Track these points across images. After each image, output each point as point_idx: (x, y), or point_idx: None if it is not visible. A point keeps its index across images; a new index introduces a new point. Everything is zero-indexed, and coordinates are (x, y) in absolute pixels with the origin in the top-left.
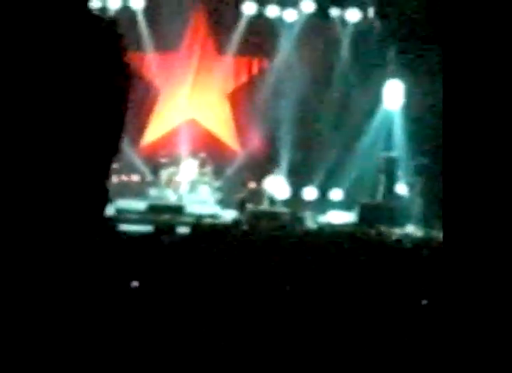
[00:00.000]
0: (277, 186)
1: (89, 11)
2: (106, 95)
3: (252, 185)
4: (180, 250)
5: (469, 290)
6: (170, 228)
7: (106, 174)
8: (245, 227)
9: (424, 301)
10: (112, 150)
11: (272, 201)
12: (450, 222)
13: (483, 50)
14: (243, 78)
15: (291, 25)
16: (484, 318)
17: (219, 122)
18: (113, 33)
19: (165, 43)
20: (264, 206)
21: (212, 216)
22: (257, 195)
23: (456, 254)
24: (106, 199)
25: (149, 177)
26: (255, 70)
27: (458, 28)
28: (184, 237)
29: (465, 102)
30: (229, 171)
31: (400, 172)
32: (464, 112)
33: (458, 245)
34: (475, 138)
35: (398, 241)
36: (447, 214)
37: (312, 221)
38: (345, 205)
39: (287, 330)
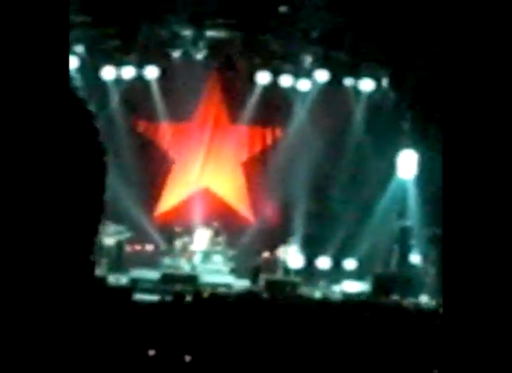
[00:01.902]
0: (291, 255)
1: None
2: (83, 172)
3: (266, 254)
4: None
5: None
6: (186, 297)
7: (89, 249)
8: (264, 296)
9: (436, 371)
10: (92, 227)
11: (286, 270)
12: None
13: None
14: (257, 148)
15: (305, 94)
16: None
17: (233, 191)
18: (87, 112)
19: (179, 113)
20: (279, 275)
21: (226, 285)
22: (271, 264)
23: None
24: (91, 272)
25: (163, 246)
26: (269, 139)
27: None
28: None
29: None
30: (243, 240)
31: (414, 242)
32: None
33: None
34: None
35: (412, 311)
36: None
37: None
38: (358, 275)
39: None
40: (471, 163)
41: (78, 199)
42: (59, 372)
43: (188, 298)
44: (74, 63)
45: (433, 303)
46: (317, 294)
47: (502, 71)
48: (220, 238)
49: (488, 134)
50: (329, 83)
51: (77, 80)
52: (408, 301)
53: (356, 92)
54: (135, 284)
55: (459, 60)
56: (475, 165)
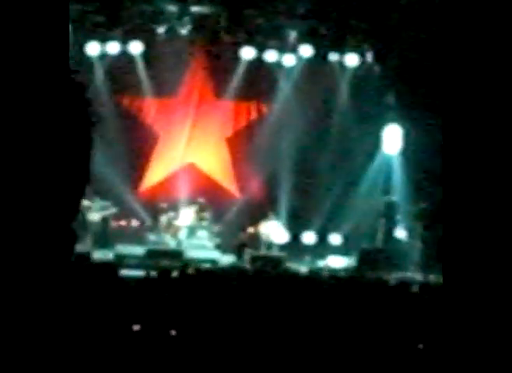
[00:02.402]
0: (276, 230)
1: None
2: (73, 139)
3: (251, 230)
4: (184, 294)
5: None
6: (171, 272)
7: (71, 216)
8: (248, 271)
9: (420, 346)
10: (77, 193)
11: (270, 246)
12: (449, 260)
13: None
14: (242, 123)
15: (290, 69)
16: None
17: (218, 166)
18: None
19: (164, 88)
20: (263, 251)
21: (211, 261)
22: (256, 240)
23: (455, 294)
24: (73, 240)
25: (149, 222)
26: (254, 114)
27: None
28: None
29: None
30: (228, 216)
31: (399, 217)
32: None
33: (457, 284)
34: (473, 165)
35: (397, 285)
36: (447, 253)
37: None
38: (344, 250)
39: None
40: (470, 144)
41: (62, 166)
42: (40, 348)
43: (174, 274)
44: None
45: (419, 277)
46: (303, 269)
47: (493, 46)
48: (206, 214)
49: (484, 116)
50: (314, 58)
51: None
52: (394, 276)
53: (341, 67)
54: (121, 260)
55: (448, 35)
56: (474, 147)
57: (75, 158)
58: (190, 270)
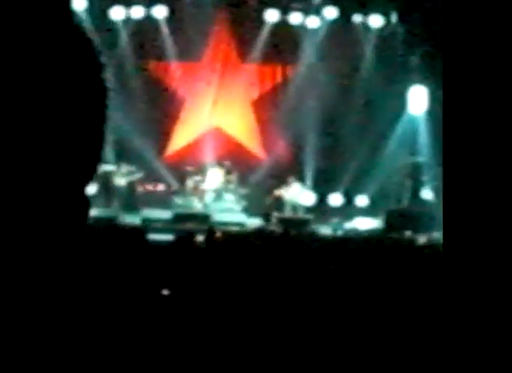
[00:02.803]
0: (303, 193)
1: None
2: (84, 106)
3: (278, 192)
4: (199, 260)
5: (469, 293)
6: (199, 236)
7: (84, 183)
8: (275, 233)
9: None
10: (91, 159)
11: (295, 208)
12: (451, 226)
13: (485, 54)
14: (267, 86)
15: (314, 31)
16: (484, 321)
17: (244, 130)
18: (91, 46)
19: (188, 53)
20: (289, 213)
21: (238, 224)
22: (284, 203)
23: (456, 258)
24: (86, 206)
25: (175, 186)
26: (279, 77)
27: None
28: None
29: (466, 105)
30: (255, 178)
31: (426, 178)
32: (464, 114)
33: (459, 248)
34: (475, 141)
35: (424, 247)
36: (448, 217)
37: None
38: (371, 211)
39: (303, 335)
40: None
41: (76, 128)
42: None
43: (201, 238)
44: (82, 4)
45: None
46: (330, 231)
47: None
48: (232, 177)
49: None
50: (338, 20)
51: (86, 21)
52: (421, 237)
53: (365, 28)
54: (147, 224)
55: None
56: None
57: (86, 123)
58: (217, 234)
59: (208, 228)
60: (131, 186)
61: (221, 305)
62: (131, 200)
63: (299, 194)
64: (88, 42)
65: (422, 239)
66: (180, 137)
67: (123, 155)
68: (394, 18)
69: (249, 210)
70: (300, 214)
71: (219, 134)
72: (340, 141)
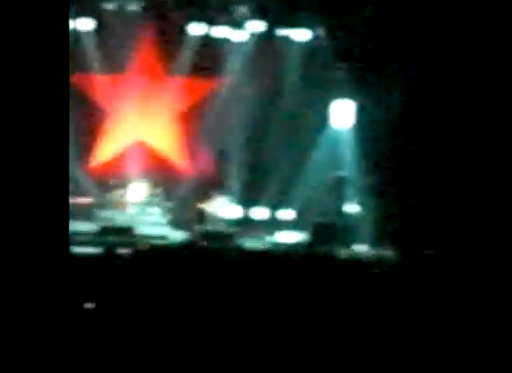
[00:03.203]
0: (227, 206)
1: None
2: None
3: (202, 206)
4: (136, 271)
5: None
6: (123, 249)
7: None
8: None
9: (374, 319)
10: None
11: (223, 222)
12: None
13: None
14: (193, 99)
15: (239, 45)
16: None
17: (169, 143)
18: None
19: (113, 65)
20: (216, 227)
21: (162, 237)
22: (208, 216)
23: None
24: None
25: (99, 199)
26: (204, 90)
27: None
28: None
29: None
30: (179, 192)
31: (350, 191)
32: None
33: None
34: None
35: (349, 260)
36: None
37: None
38: (296, 225)
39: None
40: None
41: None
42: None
43: (125, 250)
44: None
45: (370, 252)
46: (255, 245)
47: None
48: (157, 190)
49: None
50: (263, 34)
51: None
52: (347, 251)
53: (291, 42)
54: (72, 237)
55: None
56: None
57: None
58: (141, 246)
59: (132, 241)
60: None
61: (148, 317)
62: None
63: (222, 208)
64: None
65: (345, 252)
66: (105, 150)
67: None
68: (320, 32)
69: (173, 224)
70: (225, 228)
71: (143, 148)
72: (265, 155)
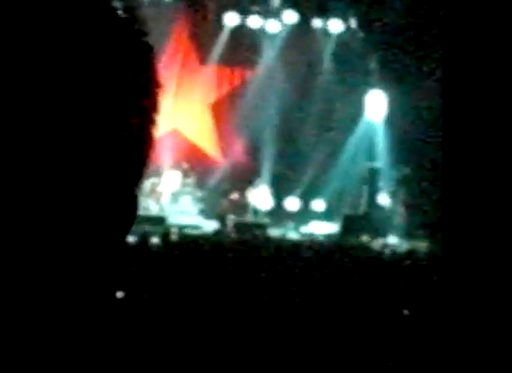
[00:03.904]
0: (260, 197)
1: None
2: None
3: (234, 196)
4: (168, 260)
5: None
6: (155, 238)
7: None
8: (232, 237)
9: (406, 312)
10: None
11: (255, 212)
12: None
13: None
14: (226, 89)
15: (273, 35)
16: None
17: (202, 132)
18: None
19: None
20: (248, 217)
21: (194, 227)
22: (240, 206)
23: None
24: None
25: None
26: (238, 80)
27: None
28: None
29: (465, 106)
30: (212, 182)
31: (382, 183)
32: (463, 115)
33: (458, 253)
34: (474, 142)
35: (381, 252)
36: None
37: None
38: (328, 216)
39: (268, 340)
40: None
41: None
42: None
43: (156, 240)
44: None
45: (402, 243)
46: (286, 236)
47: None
48: (189, 180)
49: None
50: (298, 24)
51: None
52: (377, 242)
53: (325, 33)
54: None
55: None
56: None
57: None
58: (173, 236)
59: (164, 231)
60: None
61: (178, 307)
62: None
63: (256, 198)
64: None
65: (378, 244)
66: None
67: None
68: (353, 23)
69: (205, 213)
70: (257, 218)
71: (176, 136)
72: (297, 146)
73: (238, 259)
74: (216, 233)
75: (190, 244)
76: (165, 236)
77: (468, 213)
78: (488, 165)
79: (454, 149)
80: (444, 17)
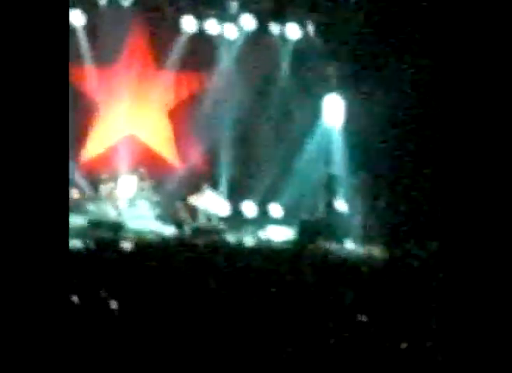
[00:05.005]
0: (215, 201)
1: None
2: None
3: (191, 201)
4: (125, 266)
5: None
6: (112, 244)
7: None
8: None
9: (362, 317)
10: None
11: (209, 217)
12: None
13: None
14: (184, 94)
15: (231, 41)
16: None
17: (159, 137)
18: None
19: (104, 58)
20: (202, 222)
21: (152, 232)
22: (195, 211)
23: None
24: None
25: (89, 193)
26: (195, 85)
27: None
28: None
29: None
30: (169, 186)
31: (340, 188)
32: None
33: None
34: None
35: (337, 257)
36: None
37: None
38: (285, 221)
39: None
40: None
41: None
42: None
43: (114, 244)
44: None
45: (359, 249)
46: (244, 241)
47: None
48: (146, 184)
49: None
50: (255, 30)
51: None
52: (335, 247)
53: (283, 39)
54: None
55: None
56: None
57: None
58: (131, 242)
59: (122, 237)
60: None
61: (134, 311)
62: None
63: (212, 203)
64: None
65: (331, 250)
66: (95, 144)
67: None
68: (311, 29)
69: (162, 218)
70: (214, 223)
71: (133, 141)
72: (255, 150)
73: (196, 265)
74: (173, 238)
75: (147, 249)
76: (123, 241)
77: (462, 216)
78: (479, 167)
79: (447, 153)
80: (417, 24)
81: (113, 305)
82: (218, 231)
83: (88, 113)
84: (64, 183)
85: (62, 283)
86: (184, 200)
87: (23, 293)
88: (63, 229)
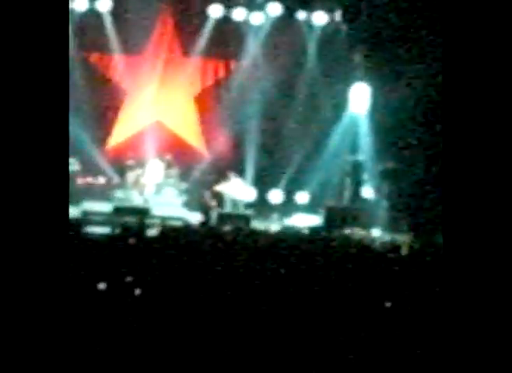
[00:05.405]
0: (241, 188)
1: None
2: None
3: (217, 187)
4: (150, 252)
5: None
6: (139, 230)
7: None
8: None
9: (388, 304)
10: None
11: (235, 204)
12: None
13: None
14: (210, 81)
15: (258, 27)
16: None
17: (186, 124)
18: None
19: (131, 46)
20: (228, 209)
21: (178, 219)
22: (222, 198)
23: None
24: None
25: (115, 179)
26: (222, 72)
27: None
28: (153, 239)
29: (465, 102)
30: (195, 173)
31: (366, 176)
32: (463, 112)
33: (458, 249)
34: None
35: (364, 244)
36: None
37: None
38: (311, 208)
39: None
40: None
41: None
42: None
43: (140, 231)
44: None
45: (385, 236)
46: (270, 228)
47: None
48: (173, 171)
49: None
50: (282, 16)
51: None
52: (360, 235)
53: (309, 25)
54: (87, 217)
55: None
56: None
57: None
58: (157, 228)
59: (147, 223)
60: (69, 178)
61: (158, 299)
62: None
63: (239, 190)
64: None
65: (360, 236)
66: (122, 131)
67: None
68: (337, 16)
69: (189, 205)
70: (240, 210)
71: (160, 128)
72: (281, 138)
73: (221, 251)
74: (200, 225)
75: (173, 235)
76: (149, 227)
77: (467, 210)
78: (487, 162)
79: (455, 146)
80: (443, 14)
81: (138, 291)
82: (244, 218)
83: (115, 100)
84: (64, 182)
85: (63, 275)
86: (210, 187)
87: (24, 286)
88: (63, 223)
